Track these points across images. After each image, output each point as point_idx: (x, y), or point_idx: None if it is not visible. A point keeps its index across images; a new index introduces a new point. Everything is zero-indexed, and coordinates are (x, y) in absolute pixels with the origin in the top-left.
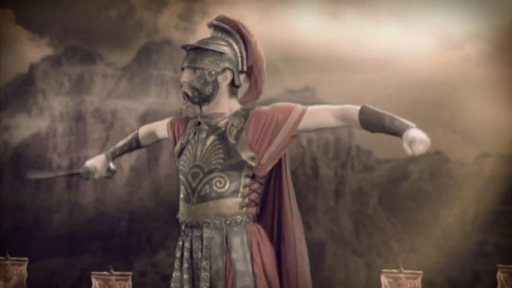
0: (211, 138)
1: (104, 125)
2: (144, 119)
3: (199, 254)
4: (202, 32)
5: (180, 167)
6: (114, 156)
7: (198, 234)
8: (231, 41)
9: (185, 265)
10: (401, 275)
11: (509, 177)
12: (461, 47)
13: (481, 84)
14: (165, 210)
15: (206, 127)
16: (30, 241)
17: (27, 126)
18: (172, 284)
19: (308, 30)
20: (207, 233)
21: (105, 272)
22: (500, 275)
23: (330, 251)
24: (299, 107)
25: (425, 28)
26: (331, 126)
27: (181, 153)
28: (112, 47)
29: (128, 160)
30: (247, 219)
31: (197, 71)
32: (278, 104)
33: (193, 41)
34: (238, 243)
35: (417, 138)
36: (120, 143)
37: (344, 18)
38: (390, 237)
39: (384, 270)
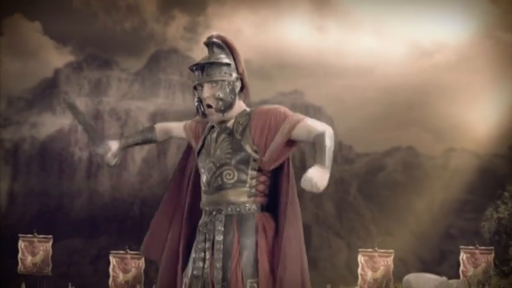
0: (222, 136)
1: (119, 122)
2: (154, 118)
3: (214, 237)
4: (205, 39)
5: (200, 164)
6: (127, 146)
7: (213, 220)
8: (224, 54)
9: (201, 245)
10: (376, 254)
11: (472, 169)
12: (431, 55)
13: (448, 88)
14: None
15: (218, 128)
16: (54, 223)
17: (52, 123)
18: (192, 270)
19: (297, 41)
20: (221, 219)
21: (121, 251)
22: (462, 255)
23: (316, 233)
24: (293, 118)
25: (400, 39)
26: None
27: (200, 153)
28: (126, 55)
29: (140, 153)
30: (256, 208)
31: (216, 83)
32: (275, 109)
33: (197, 49)
34: (247, 229)
35: (307, 177)
36: (135, 137)
37: (329, 31)
38: (368, 222)
39: (360, 249)
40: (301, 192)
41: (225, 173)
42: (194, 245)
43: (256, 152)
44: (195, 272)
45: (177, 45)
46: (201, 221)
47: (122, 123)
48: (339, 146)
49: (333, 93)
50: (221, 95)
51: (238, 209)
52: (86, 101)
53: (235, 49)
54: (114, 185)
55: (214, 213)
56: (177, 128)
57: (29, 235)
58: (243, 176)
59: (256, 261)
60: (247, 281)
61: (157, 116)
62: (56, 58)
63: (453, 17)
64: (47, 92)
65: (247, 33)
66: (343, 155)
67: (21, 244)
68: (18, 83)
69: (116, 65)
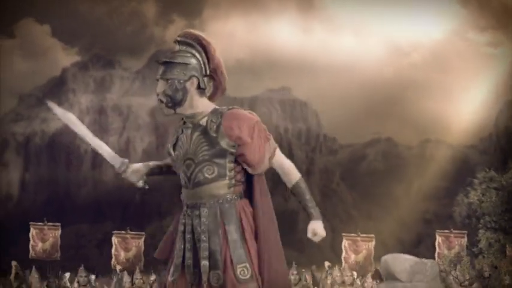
0: (196, 134)
1: (121, 117)
2: (153, 113)
3: (199, 229)
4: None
5: (175, 160)
6: (151, 173)
7: (197, 213)
8: (194, 51)
9: (187, 236)
10: (358, 238)
11: (446, 158)
12: (408, 54)
13: (424, 84)
14: (170, 186)
15: (190, 125)
16: (62, 210)
17: (60, 118)
18: (175, 259)
19: (285, 41)
20: (204, 212)
21: (123, 231)
22: (438, 238)
23: (302, 218)
24: (272, 143)
25: (379, 39)
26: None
27: (174, 149)
28: (128, 55)
29: (141, 144)
30: (235, 197)
31: (169, 81)
32: (252, 119)
33: None
34: (230, 217)
35: (318, 234)
36: (159, 164)
37: (313, 32)
38: (350, 207)
39: (344, 234)
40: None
41: (205, 168)
42: (178, 236)
43: (232, 146)
44: (188, 262)
45: (175, 47)
46: (182, 214)
47: (124, 117)
48: (323, 137)
49: (318, 89)
50: (169, 93)
51: (220, 201)
52: (91, 97)
53: (208, 47)
54: (118, 175)
55: (198, 206)
56: None
57: (40, 223)
58: (222, 170)
59: (243, 245)
60: (237, 266)
61: (156, 111)
62: (64, 58)
63: (428, 19)
64: (56, 90)
65: (240, 35)
66: (327, 146)
67: (32, 231)
68: (29, 81)
69: (118, 65)
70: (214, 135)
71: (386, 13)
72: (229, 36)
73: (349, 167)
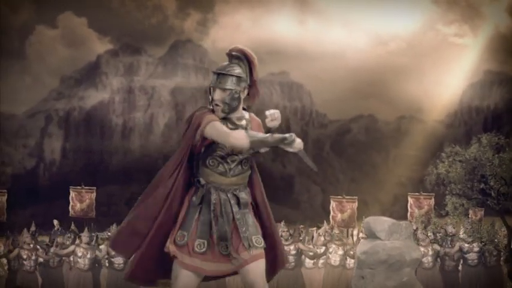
0: None
1: (146, 96)
2: (173, 93)
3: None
4: (213, 32)
5: None
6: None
7: None
8: (241, 64)
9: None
10: (344, 200)
11: (417, 131)
12: (387, 43)
13: (400, 69)
14: None
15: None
16: (97, 174)
17: (94, 96)
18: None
19: (284, 32)
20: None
21: None
22: (410, 199)
23: (298, 181)
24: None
25: (362, 31)
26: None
27: None
28: (152, 44)
29: (163, 119)
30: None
31: (226, 91)
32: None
33: (207, 39)
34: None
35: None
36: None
37: (308, 24)
38: (338, 172)
39: (332, 196)
40: (287, 151)
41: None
42: None
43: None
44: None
45: (191, 36)
46: None
47: (149, 96)
48: (316, 114)
49: (312, 73)
50: (228, 101)
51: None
52: (121, 79)
53: (253, 61)
54: (143, 145)
55: None
56: None
57: (78, 187)
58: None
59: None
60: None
61: (176, 91)
62: (98, 46)
63: (404, 14)
64: (91, 73)
65: (245, 26)
66: (319, 121)
67: (71, 194)
68: (69, 66)
69: (144, 52)
70: None
71: (369, 9)
72: (237, 27)
73: (337, 139)
